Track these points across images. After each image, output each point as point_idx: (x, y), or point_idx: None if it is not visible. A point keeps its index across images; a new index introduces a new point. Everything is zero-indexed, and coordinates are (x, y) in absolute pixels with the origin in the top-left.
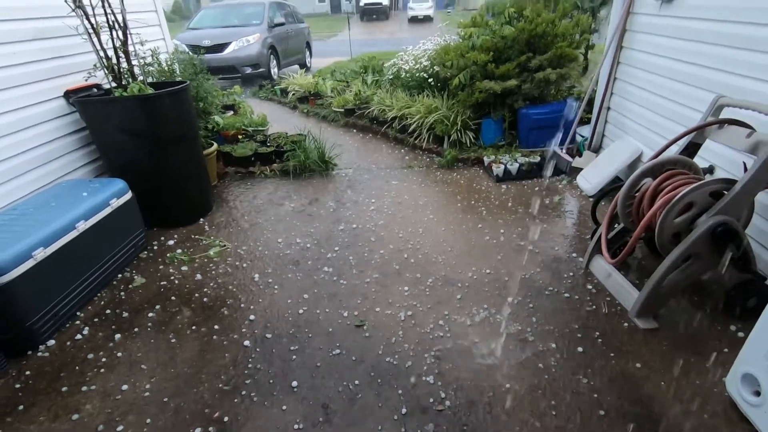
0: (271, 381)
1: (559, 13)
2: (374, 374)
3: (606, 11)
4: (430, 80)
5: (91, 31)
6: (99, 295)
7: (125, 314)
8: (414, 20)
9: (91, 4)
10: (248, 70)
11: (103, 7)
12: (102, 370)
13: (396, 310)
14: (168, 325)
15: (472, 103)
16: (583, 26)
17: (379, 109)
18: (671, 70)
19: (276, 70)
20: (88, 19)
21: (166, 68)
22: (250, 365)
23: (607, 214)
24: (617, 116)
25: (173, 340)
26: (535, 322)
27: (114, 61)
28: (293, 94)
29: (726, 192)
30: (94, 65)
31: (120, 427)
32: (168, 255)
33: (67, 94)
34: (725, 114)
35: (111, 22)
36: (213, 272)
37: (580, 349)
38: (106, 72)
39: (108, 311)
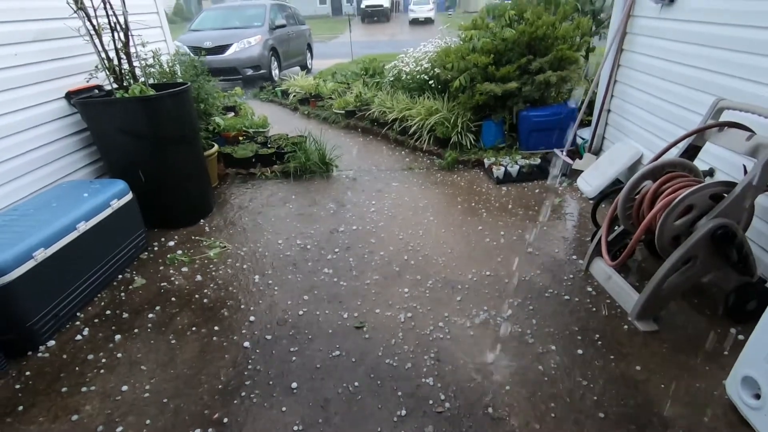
0: (270, 382)
1: (560, 16)
2: (374, 376)
3: (605, 14)
4: (430, 82)
5: (92, 32)
6: (99, 295)
7: (125, 315)
8: (415, 22)
9: (93, 6)
10: (249, 72)
11: (105, 8)
12: (102, 371)
13: (396, 312)
14: (168, 326)
15: (473, 105)
16: (584, 29)
17: (380, 110)
18: (671, 73)
19: (277, 71)
20: (89, 20)
21: (167, 70)
22: (249, 366)
23: (607, 216)
24: (618, 119)
25: (173, 341)
26: (534, 324)
27: (115, 62)
28: (294, 96)
29: (726, 195)
30: (96, 66)
31: (120, 428)
32: (168, 256)
33: (69, 96)
34: (725, 117)
35: (113, 24)
36: (213, 273)
37: (579, 351)
38: (108, 73)
39: (108, 312)
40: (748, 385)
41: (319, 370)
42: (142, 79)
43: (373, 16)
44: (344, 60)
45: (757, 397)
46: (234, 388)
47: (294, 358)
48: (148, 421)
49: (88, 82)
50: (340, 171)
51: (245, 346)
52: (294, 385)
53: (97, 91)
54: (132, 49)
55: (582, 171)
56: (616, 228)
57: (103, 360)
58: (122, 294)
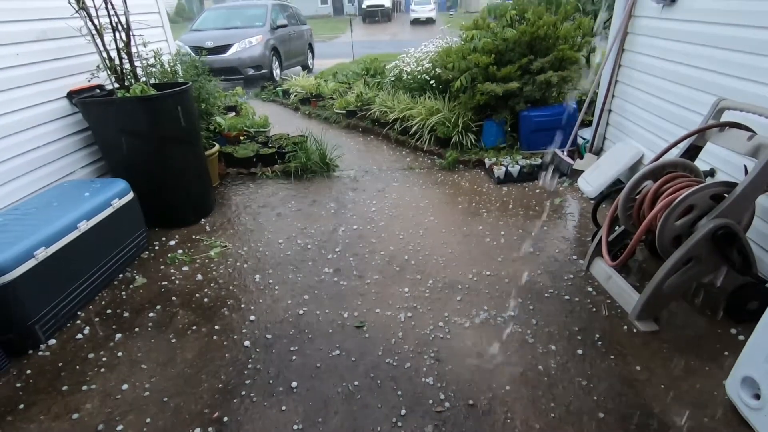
0: (270, 381)
1: (561, 16)
2: (374, 375)
3: (606, 14)
4: (431, 82)
5: (94, 32)
6: (100, 294)
7: (126, 314)
8: (416, 22)
9: (95, 6)
10: (251, 72)
11: (107, 8)
12: (102, 370)
13: (396, 312)
14: (168, 325)
15: (474, 105)
16: (585, 29)
17: (381, 110)
18: (672, 73)
19: (278, 71)
20: (91, 20)
21: (168, 69)
22: (250, 365)
23: (608, 216)
24: (618, 119)
25: (173, 340)
26: (535, 324)
27: (117, 62)
28: (295, 96)
29: (727, 195)
30: (97, 66)
31: (120, 427)
32: (169, 255)
33: (70, 95)
34: (726, 117)
35: (114, 24)
36: (214, 273)
37: (579, 351)
38: (109, 73)
39: (109, 311)
40: (748, 385)
41: (319, 370)
42: (144, 78)
43: (375, 16)
44: (345, 60)
45: (757, 397)
46: (234, 387)
47: (294, 357)
48: (148, 420)
49: (89, 81)
50: (341, 171)
51: (245, 345)
52: (294, 384)
53: (98, 90)
54: (133, 49)
55: (583, 171)
56: (616, 228)
57: (104, 359)
58: (123, 293)
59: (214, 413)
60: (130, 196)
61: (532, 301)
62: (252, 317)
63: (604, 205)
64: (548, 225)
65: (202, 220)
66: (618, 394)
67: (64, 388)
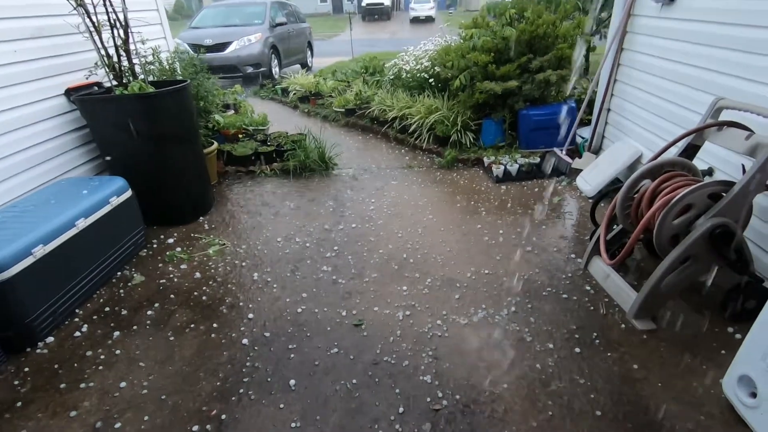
0: (269, 379)
1: (560, 15)
2: (372, 373)
3: (606, 13)
4: (430, 81)
5: (92, 29)
6: (98, 292)
7: (124, 312)
8: (416, 21)
9: (93, 3)
10: (250, 70)
11: (105, 5)
12: (100, 368)
13: (394, 310)
14: (167, 323)
15: (473, 103)
16: (584, 28)
17: (380, 109)
18: (671, 72)
19: (277, 69)
20: (89, 17)
21: (167, 67)
22: (248, 363)
23: (606, 215)
24: (617, 118)
25: (172, 338)
26: (533, 322)
27: (115, 59)
28: (294, 94)
29: (725, 194)
30: (95, 63)
31: (118, 425)
32: (167, 253)
33: (68, 92)
34: (724, 116)
35: (112, 21)
36: (212, 271)
37: (577, 349)
38: (107, 70)
39: (107, 309)
40: (744, 383)
41: (317, 368)
42: (142, 76)
43: (374, 14)
44: (345, 58)
45: (754, 395)
46: (232, 385)
47: (292, 355)
48: (146, 418)
49: (87, 79)
50: (339, 169)
51: (244, 343)
52: (292, 382)
53: (96, 88)
54: (132, 47)
55: (581, 170)
56: (614, 227)
57: (102, 357)
58: (121, 291)
59: (212, 411)
60: (129, 193)
61: (530, 300)
62: (250, 315)
63: (602, 204)
64: (547, 224)
65: (201, 218)
66: (615, 392)
67: (62, 385)
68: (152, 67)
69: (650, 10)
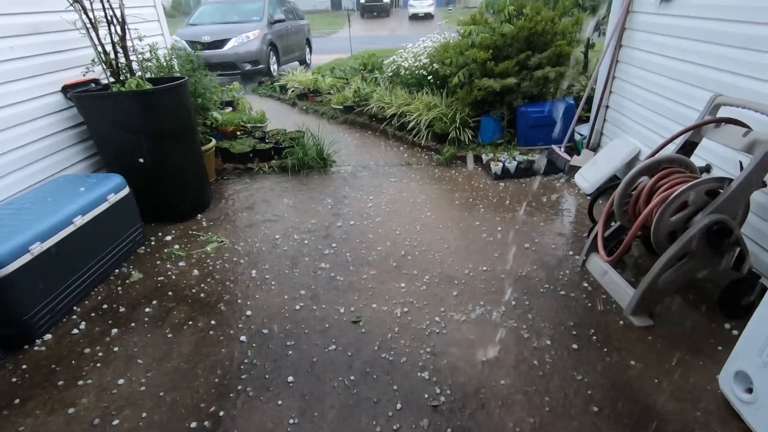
0: (267, 376)
1: (559, 11)
2: (370, 370)
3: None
4: (429, 78)
5: (89, 25)
6: (96, 290)
7: (122, 309)
8: (414, 18)
9: None
10: (248, 67)
11: (101, 1)
12: (98, 365)
13: (392, 307)
14: (164, 321)
15: (471, 100)
16: (583, 24)
17: (378, 106)
18: (670, 69)
19: (276, 66)
20: (86, 13)
21: (164, 64)
22: (246, 360)
23: (604, 212)
24: (616, 115)
25: (170, 335)
26: (530, 319)
27: (112, 56)
28: (292, 91)
29: (722, 191)
30: (92, 60)
31: (116, 421)
32: (165, 250)
33: (65, 89)
34: (722, 113)
35: (109, 17)
36: (210, 268)
37: (575, 346)
38: (104, 67)
39: (105, 306)
40: (740, 379)
41: (315, 364)
42: (139, 73)
43: (373, 12)
44: (343, 55)
45: (750, 391)
46: (230, 382)
47: (290, 352)
48: (144, 415)
49: (84, 75)
50: (338, 166)
51: (242, 340)
52: (290, 378)
53: (93, 85)
54: (129, 43)
55: (580, 167)
56: (612, 224)
57: (100, 354)
58: (119, 288)
59: (210, 408)
60: (126, 191)
61: (528, 296)
62: (248, 312)
63: (600, 201)
64: (545, 221)
65: (199, 215)
66: (612, 388)
67: (60, 382)
68: (149, 64)
69: (649, 7)
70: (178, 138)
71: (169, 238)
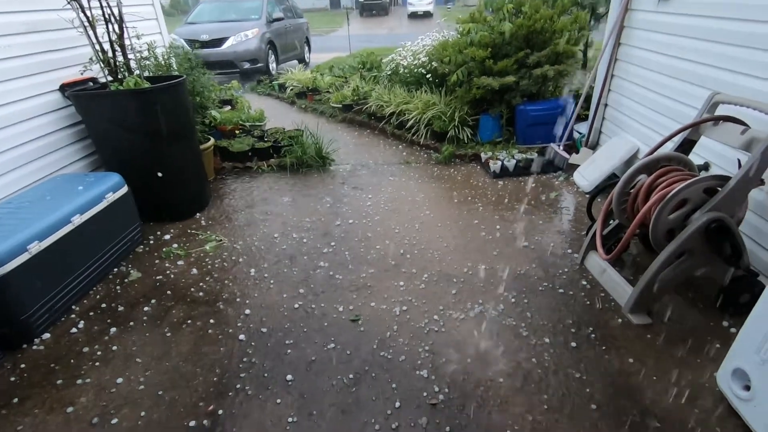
0: (265, 375)
1: (558, 10)
2: (368, 368)
3: (603, 9)
4: (428, 76)
5: (86, 24)
6: (95, 289)
7: (121, 308)
8: (413, 16)
9: None
10: (246, 65)
11: (99, 0)
12: (97, 364)
13: (391, 305)
14: (163, 319)
15: (470, 99)
16: (582, 23)
17: (377, 105)
18: (668, 67)
19: (274, 65)
20: (83, 12)
21: (162, 62)
22: (245, 359)
23: (602, 210)
24: (614, 113)
25: (168, 334)
26: (529, 317)
27: (110, 54)
28: (291, 90)
29: (720, 189)
30: (90, 59)
31: (114, 420)
32: (164, 249)
33: (63, 88)
34: (720, 111)
35: (107, 16)
36: (209, 267)
37: (573, 344)
38: (102, 66)
39: (103, 305)
40: (738, 377)
41: (314, 363)
42: (137, 71)
43: (372, 10)
44: (342, 54)
45: (747, 388)
46: (229, 381)
47: (289, 350)
48: (143, 413)
49: (82, 74)
50: (336, 165)
51: (240, 338)
52: (289, 377)
53: (91, 83)
54: (127, 42)
55: (578, 165)
56: (611, 222)
57: (98, 353)
58: (118, 287)
59: (208, 406)
60: (125, 190)
61: (527, 295)
62: (247, 311)
63: (599, 199)
64: (543, 219)
65: (198, 214)
66: (610, 385)
67: (59, 381)
68: (148, 62)
69: (648, 5)
70: (176, 137)
71: (167, 237)
